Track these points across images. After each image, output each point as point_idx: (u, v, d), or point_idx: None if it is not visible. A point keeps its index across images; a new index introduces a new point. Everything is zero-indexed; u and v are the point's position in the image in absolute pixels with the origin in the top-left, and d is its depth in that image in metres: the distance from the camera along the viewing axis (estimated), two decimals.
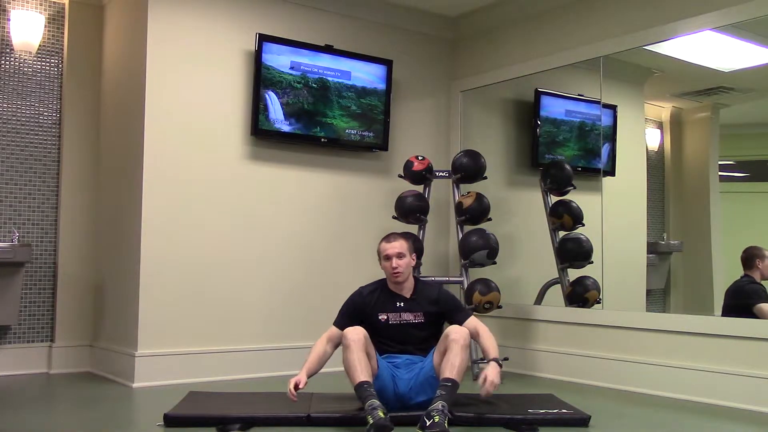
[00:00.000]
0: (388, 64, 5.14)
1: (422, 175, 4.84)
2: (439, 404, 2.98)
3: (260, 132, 4.69)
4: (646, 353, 4.24)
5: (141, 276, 4.30)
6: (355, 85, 5.02)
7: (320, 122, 4.89)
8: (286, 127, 4.77)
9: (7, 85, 4.74)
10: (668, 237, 5.34)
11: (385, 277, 3.60)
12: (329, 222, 5.03)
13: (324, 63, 4.90)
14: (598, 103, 4.89)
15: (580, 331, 4.62)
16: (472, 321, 3.50)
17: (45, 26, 4.83)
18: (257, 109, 4.65)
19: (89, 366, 4.84)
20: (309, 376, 3.36)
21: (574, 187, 5.04)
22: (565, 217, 4.98)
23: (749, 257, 4.46)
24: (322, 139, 4.92)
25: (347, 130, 5.01)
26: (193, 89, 4.54)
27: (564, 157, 5.44)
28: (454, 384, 3.12)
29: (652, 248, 5.28)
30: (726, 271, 4.66)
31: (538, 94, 5.42)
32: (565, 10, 4.92)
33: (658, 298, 5.32)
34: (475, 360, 4.58)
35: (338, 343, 3.44)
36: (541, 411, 3.38)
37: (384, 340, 3.50)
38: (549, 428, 3.23)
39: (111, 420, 3.49)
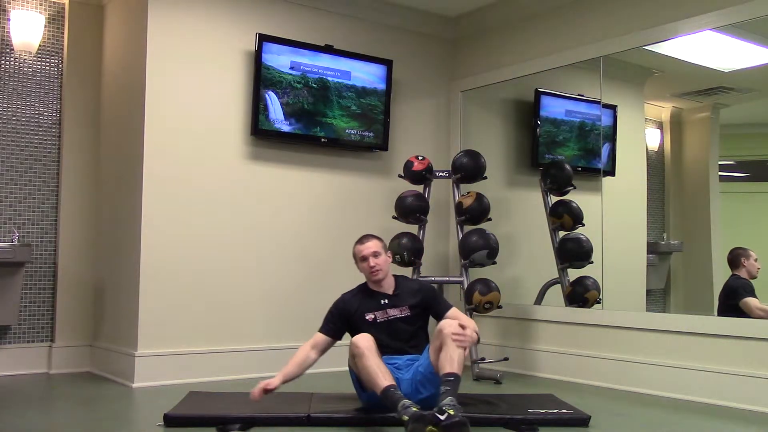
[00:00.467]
0: (388, 64, 5.14)
1: (422, 175, 4.84)
2: (448, 399, 2.96)
3: (260, 132, 4.69)
4: (646, 353, 4.24)
5: (141, 276, 4.30)
6: (355, 85, 5.02)
7: (320, 122, 4.89)
8: (286, 127, 4.77)
9: (7, 85, 4.74)
10: (668, 237, 5.34)
11: (364, 281, 3.65)
12: (329, 222, 5.03)
13: (324, 63, 4.90)
14: (598, 103, 4.89)
15: (580, 331, 4.63)
16: (454, 311, 3.53)
17: (45, 26, 4.83)
18: (257, 109, 4.65)
19: (89, 366, 4.84)
20: (285, 381, 3.38)
21: (574, 187, 5.04)
22: (565, 217, 4.98)
23: (735, 257, 4.59)
24: (322, 139, 4.92)
25: (347, 130, 5.01)
26: (193, 89, 4.54)
27: (564, 157, 5.44)
28: (457, 378, 3.10)
29: (652, 248, 5.28)
30: (726, 271, 4.66)
31: (538, 94, 5.42)
32: (565, 10, 4.92)
33: (658, 298, 5.32)
34: (475, 360, 4.58)
35: (324, 349, 3.50)
36: (541, 411, 3.38)
37: (376, 341, 3.48)
38: (549, 428, 3.22)
39: (111, 420, 3.49)
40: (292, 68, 4.78)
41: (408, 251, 4.70)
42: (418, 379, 3.36)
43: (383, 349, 3.46)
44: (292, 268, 4.86)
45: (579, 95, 5.43)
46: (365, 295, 3.60)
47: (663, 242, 5.33)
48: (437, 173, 4.93)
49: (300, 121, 4.82)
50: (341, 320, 3.56)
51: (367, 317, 3.52)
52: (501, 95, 5.64)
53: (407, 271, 4.76)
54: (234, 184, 4.67)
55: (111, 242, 4.77)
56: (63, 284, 4.83)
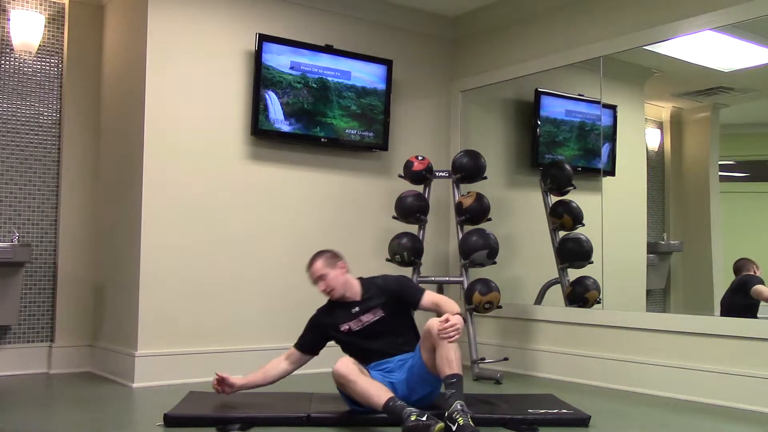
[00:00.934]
0: (388, 64, 5.14)
1: (422, 175, 4.84)
2: (457, 404, 2.91)
3: (260, 132, 4.69)
4: (646, 353, 4.24)
5: (141, 276, 4.30)
6: (355, 85, 5.02)
7: (320, 122, 4.89)
8: (286, 127, 4.77)
9: (7, 85, 4.74)
10: (668, 237, 5.34)
11: None
12: (329, 222, 5.03)
13: (324, 63, 4.90)
14: (598, 103, 4.89)
15: (580, 331, 4.62)
16: (428, 296, 3.45)
17: (45, 26, 4.83)
18: (257, 109, 4.65)
19: (89, 366, 4.84)
20: (244, 386, 3.45)
21: (574, 187, 5.04)
22: (565, 217, 4.98)
23: (740, 267, 4.67)
24: (322, 139, 4.92)
25: (347, 130, 5.01)
26: (193, 89, 4.54)
27: (564, 157, 5.44)
28: (459, 378, 3.05)
29: (652, 248, 5.27)
30: (726, 271, 4.67)
31: (538, 94, 5.42)
32: (565, 10, 4.92)
33: (658, 298, 5.32)
34: (475, 360, 4.58)
35: (296, 361, 3.54)
36: (541, 411, 3.38)
37: (359, 350, 3.47)
38: (549, 428, 3.23)
39: (111, 420, 3.49)
40: (292, 68, 4.78)
41: (408, 251, 4.70)
42: (413, 380, 3.32)
43: (370, 357, 3.42)
44: (293, 268, 4.85)
45: (579, 95, 5.43)
46: (337, 306, 3.54)
47: (663, 242, 5.33)
48: (437, 173, 4.92)
49: (300, 121, 4.82)
50: (314, 335, 3.56)
51: (342, 328, 3.48)
52: (501, 95, 5.63)
53: (407, 271, 4.76)
54: (234, 183, 4.67)
55: (111, 242, 4.76)
56: (63, 284, 4.83)
